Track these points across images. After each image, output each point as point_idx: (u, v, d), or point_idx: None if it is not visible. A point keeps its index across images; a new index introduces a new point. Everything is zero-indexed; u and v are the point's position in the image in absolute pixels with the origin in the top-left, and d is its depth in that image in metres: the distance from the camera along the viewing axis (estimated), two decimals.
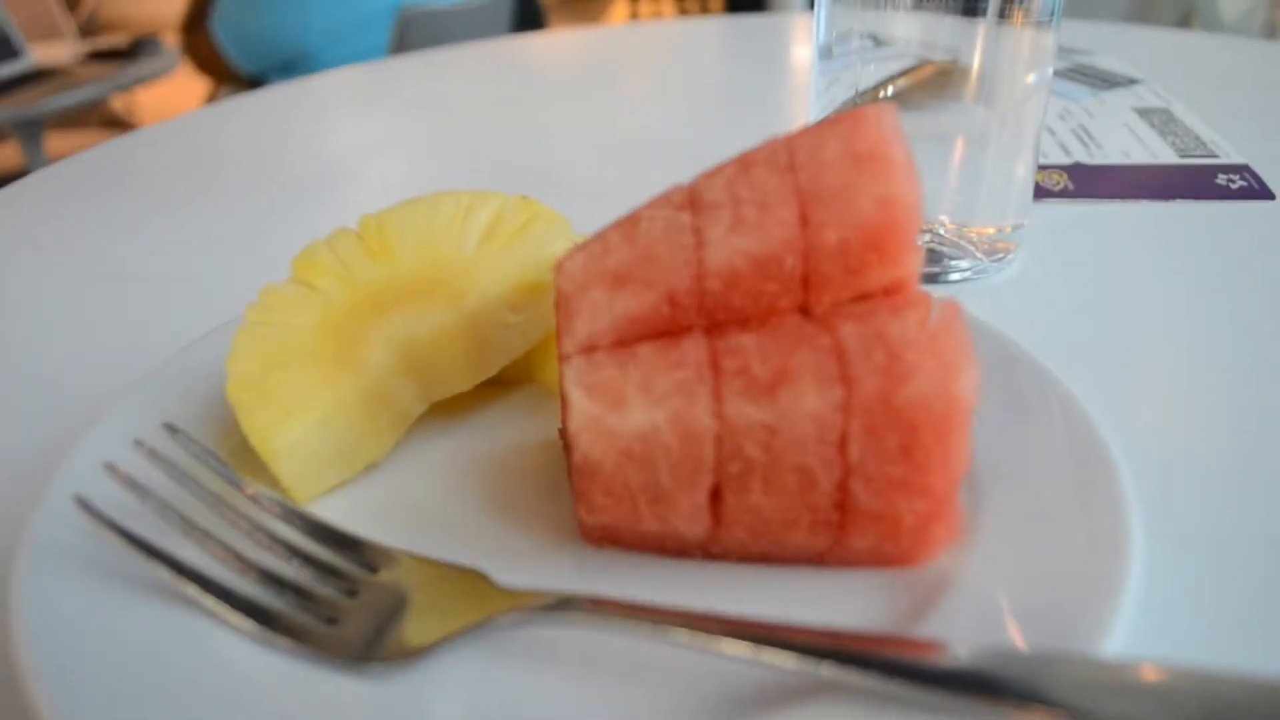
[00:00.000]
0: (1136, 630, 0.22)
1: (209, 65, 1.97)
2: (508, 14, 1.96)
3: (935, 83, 0.40)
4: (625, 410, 0.24)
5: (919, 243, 0.25)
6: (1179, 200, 0.51)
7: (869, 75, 0.42)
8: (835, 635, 0.21)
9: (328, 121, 0.76)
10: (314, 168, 0.64)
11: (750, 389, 0.23)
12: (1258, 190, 0.51)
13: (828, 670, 0.20)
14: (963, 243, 0.44)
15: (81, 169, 0.66)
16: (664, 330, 0.25)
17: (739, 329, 0.25)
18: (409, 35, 1.77)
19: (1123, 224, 0.49)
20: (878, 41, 0.41)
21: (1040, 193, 0.51)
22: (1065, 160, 0.55)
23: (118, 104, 2.96)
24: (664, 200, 0.26)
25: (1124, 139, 0.57)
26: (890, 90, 0.42)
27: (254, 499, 0.27)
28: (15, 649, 0.22)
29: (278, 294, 0.30)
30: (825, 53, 0.43)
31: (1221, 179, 0.53)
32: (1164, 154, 0.55)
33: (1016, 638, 0.22)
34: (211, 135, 0.72)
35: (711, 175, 0.26)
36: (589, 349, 0.25)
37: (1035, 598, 0.23)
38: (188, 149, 0.69)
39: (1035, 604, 0.22)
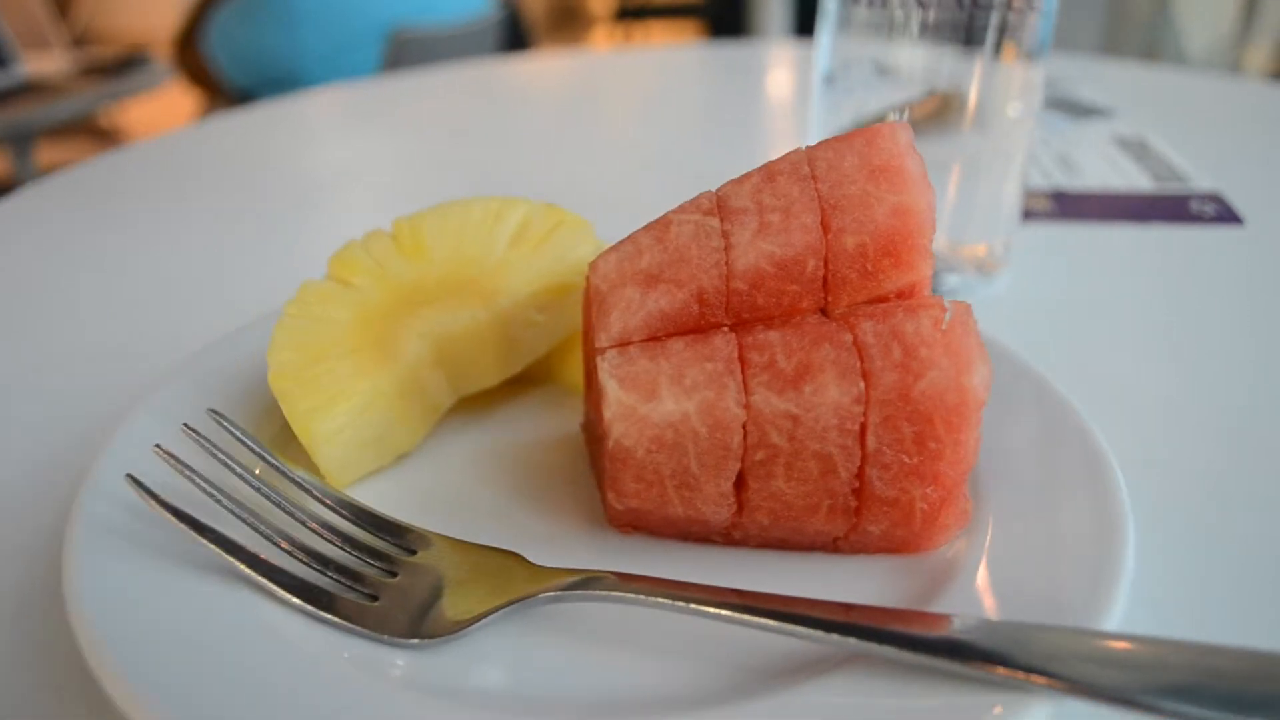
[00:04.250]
0: (1129, 611, 0.24)
1: (200, 80, 1.97)
2: (496, 37, 1.98)
3: (936, 112, 0.43)
4: (657, 399, 0.25)
5: (931, 250, 0.27)
6: (1155, 224, 0.54)
7: (872, 102, 0.44)
8: (851, 608, 0.23)
9: (316, 138, 0.77)
10: (302, 184, 0.65)
11: (776, 381, 0.25)
12: (1228, 216, 0.54)
13: (845, 642, 0.22)
14: (955, 260, 0.47)
15: (74, 183, 0.66)
16: (693, 327, 0.27)
17: (764, 326, 0.26)
18: (400, 57, 1.79)
19: (1103, 245, 0.52)
20: (882, 71, 0.43)
21: (1027, 214, 0.54)
22: (1048, 185, 0.57)
23: (108, 117, 2.95)
24: (693, 205, 0.28)
25: (1102, 166, 0.60)
26: (893, 117, 0.44)
27: (298, 482, 0.28)
28: (74, 621, 0.23)
29: (315, 290, 0.32)
30: (829, 80, 0.45)
31: (1194, 205, 0.55)
32: (1140, 181, 0.58)
33: (1022, 616, 0.23)
34: (203, 151, 0.73)
35: (738, 183, 0.28)
36: (623, 343, 0.27)
37: (1039, 580, 0.24)
38: (179, 164, 0.70)
39: (1039, 586, 0.24)
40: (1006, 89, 0.42)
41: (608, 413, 0.26)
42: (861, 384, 0.25)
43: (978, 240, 0.47)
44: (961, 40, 0.41)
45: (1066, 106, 0.69)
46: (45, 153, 2.45)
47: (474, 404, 0.34)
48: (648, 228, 0.28)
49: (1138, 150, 0.62)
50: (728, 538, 0.27)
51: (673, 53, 1.12)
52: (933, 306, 0.25)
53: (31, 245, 0.56)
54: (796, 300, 0.27)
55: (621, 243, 0.28)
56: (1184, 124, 0.73)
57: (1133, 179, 0.58)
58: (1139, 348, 0.42)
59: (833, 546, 0.27)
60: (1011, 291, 0.47)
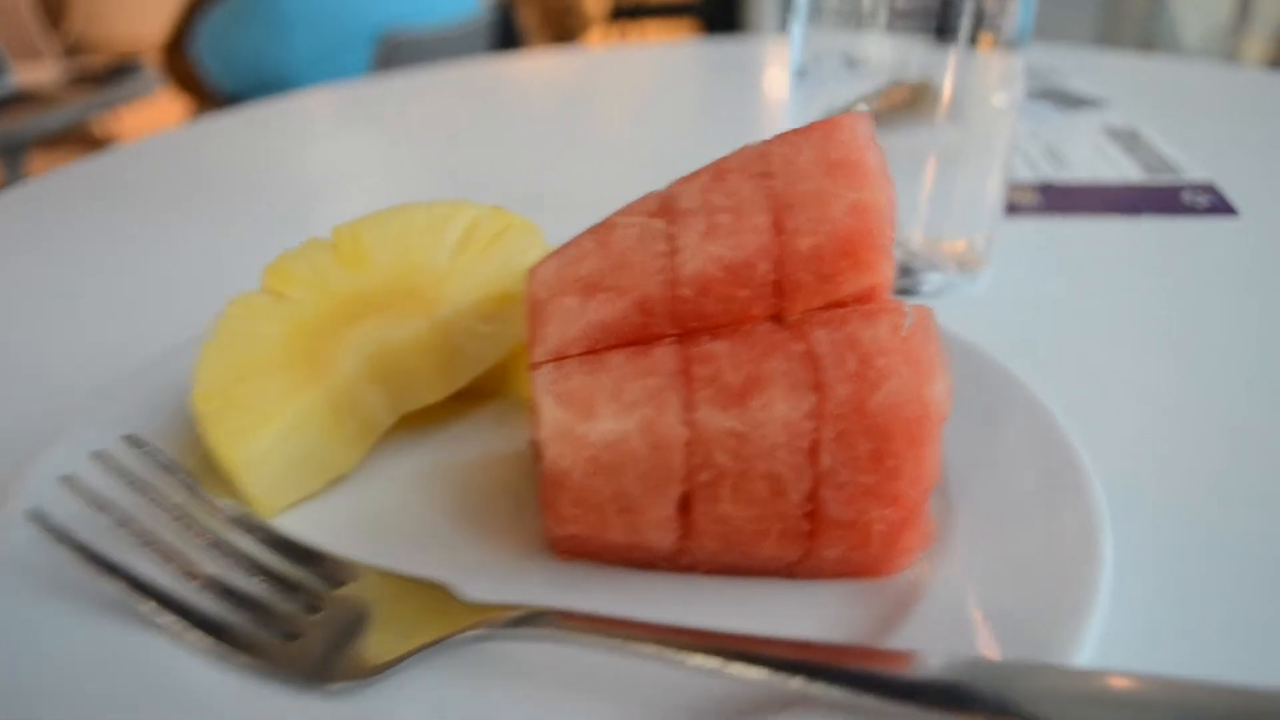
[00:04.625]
0: (1106, 639, 0.22)
1: (189, 86, 1.96)
2: (488, 38, 1.96)
3: (908, 103, 0.41)
4: (595, 418, 0.23)
5: (892, 250, 0.25)
6: (1146, 216, 0.52)
7: (842, 95, 0.42)
8: (804, 647, 0.21)
9: (307, 140, 0.75)
10: (293, 186, 0.63)
11: (721, 396, 0.23)
12: (1222, 207, 0.52)
13: (797, 683, 0.20)
14: (935, 257, 0.45)
15: (60, 185, 0.65)
16: (636, 338, 0.25)
17: (711, 336, 0.24)
18: (391, 59, 1.77)
19: (1091, 239, 0.50)
20: (851, 63, 0.41)
21: (1011, 208, 0.52)
22: (1035, 178, 0.55)
23: (99, 126, 2.95)
24: (638, 207, 0.26)
25: (1092, 158, 0.58)
26: (863, 109, 0.42)
27: (217, 512, 0.26)
28: None
29: (246, 304, 0.30)
30: (801, 73, 0.43)
31: (1187, 196, 0.53)
32: (1131, 173, 0.56)
33: (988, 648, 0.21)
34: (191, 153, 0.72)
35: (686, 182, 0.26)
36: (560, 356, 0.25)
37: (1007, 608, 0.22)
38: (167, 166, 0.69)
39: (1007, 614, 0.22)
40: (984, 79, 0.40)
41: (542, 433, 0.24)
42: (813, 398, 0.23)
43: (957, 236, 0.45)
44: (934, 29, 0.39)
45: (1056, 97, 0.67)
46: (38, 163, 2.45)
47: (419, 420, 0.32)
48: (591, 231, 0.26)
49: (1129, 141, 0.60)
50: (675, 564, 0.25)
51: (666, 50, 1.10)
52: (892, 311, 0.23)
53: (22, 242, 0.54)
54: (747, 307, 0.25)
55: (563, 247, 0.26)
56: (1177, 114, 0.71)
57: (1123, 170, 0.56)
58: (1129, 345, 0.40)
59: (787, 572, 0.25)
60: (995, 289, 0.45)
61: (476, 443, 0.31)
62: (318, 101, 0.86)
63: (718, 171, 0.26)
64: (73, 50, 3.48)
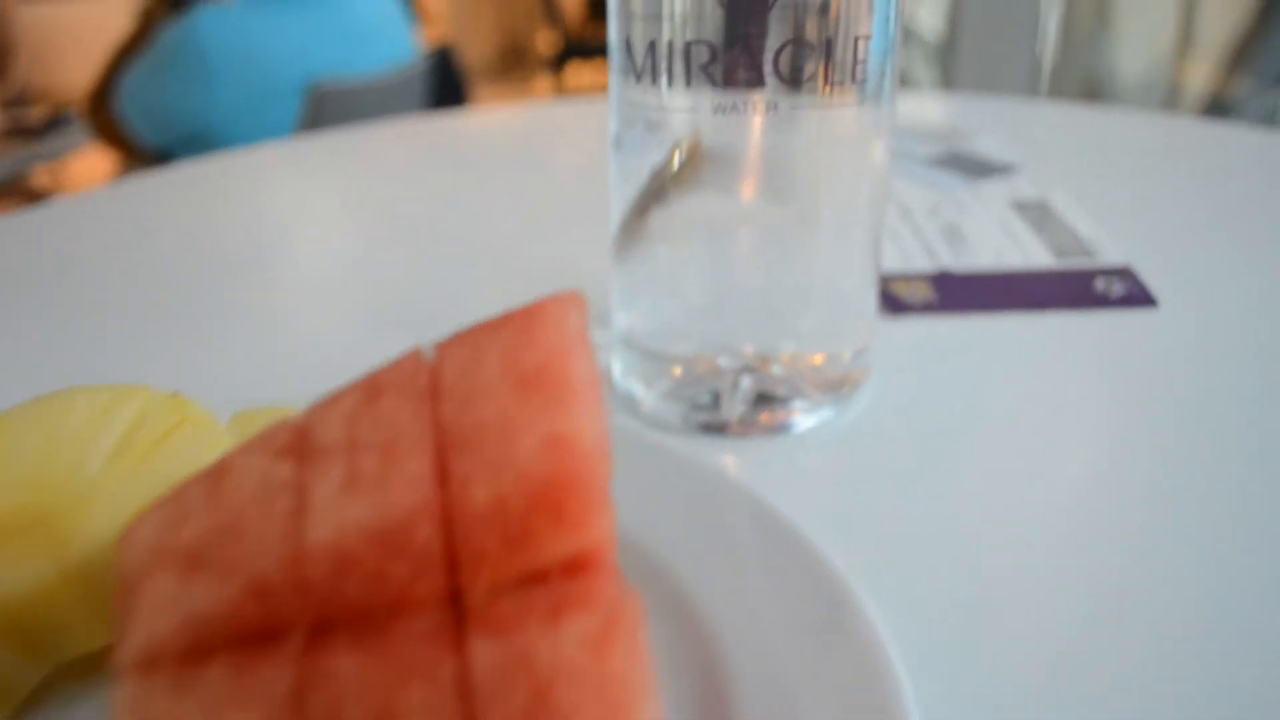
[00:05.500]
0: None
1: (113, 139, 1.89)
2: (425, 87, 1.90)
3: (689, 173, 0.34)
4: None
5: (609, 498, 0.18)
6: (1054, 311, 0.45)
7: (649, 167, 0.35)
8: None
9: (239, 202, 0.67)
10: (222, 255, 0.56)
11: None
12: (1139, 296, 0.46)
13: None
14: (796, 380, 0.38)
15: None
16: (253, 633, 0.18)
17: (348, 641, 0.17)
18: (320, 110, 1.71)
19: (992, 343, 0.43)
20: (653, 127, 0.34)
21: (899, 307, 0.45)
22: (930, 267, 0.49)
23: (42, 178, 2.86)
24: (264, 441, 0.19)
25: (997, 238, 0.51)
26: (666, 186, 0.35)
27: None
28: None
29: None
30: (617, 144, 0.36)
31: (1100, 284, 0.47)
32: (1038, 255, 0.50)
33: None
34: (113, 216, 0.64)
35: (330, 404, 0.19)
36: (149, 661, 0.18)
37: None
38: (86, 231, 0.61)
39: None
40: (822, 140, 0.33)
41: None
42: None
43: (812, 349, 0.38)
44: (747, 82, 0.32)
45: (962, 163, 0.61)
46: None
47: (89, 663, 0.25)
48: (205, 474, 0.19)
49: (1038, 216, 0.54)
50: None
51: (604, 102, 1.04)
52: (589, 605, 0.16)
53: None
54: (407, 585, 0.18)
55: (169, 496, 0.19)
56: (1095, 177, 0.65)
57: (1031, 253, 0.50)
58: (1028, 478, 0.33)
59: None
60: (871, 417, 0.38)
61: None
62: (251, 162, 0.78)
63: (371, 389, 0.18)
64: (16, 101, 3.40)
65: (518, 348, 0.18)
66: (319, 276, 0.54)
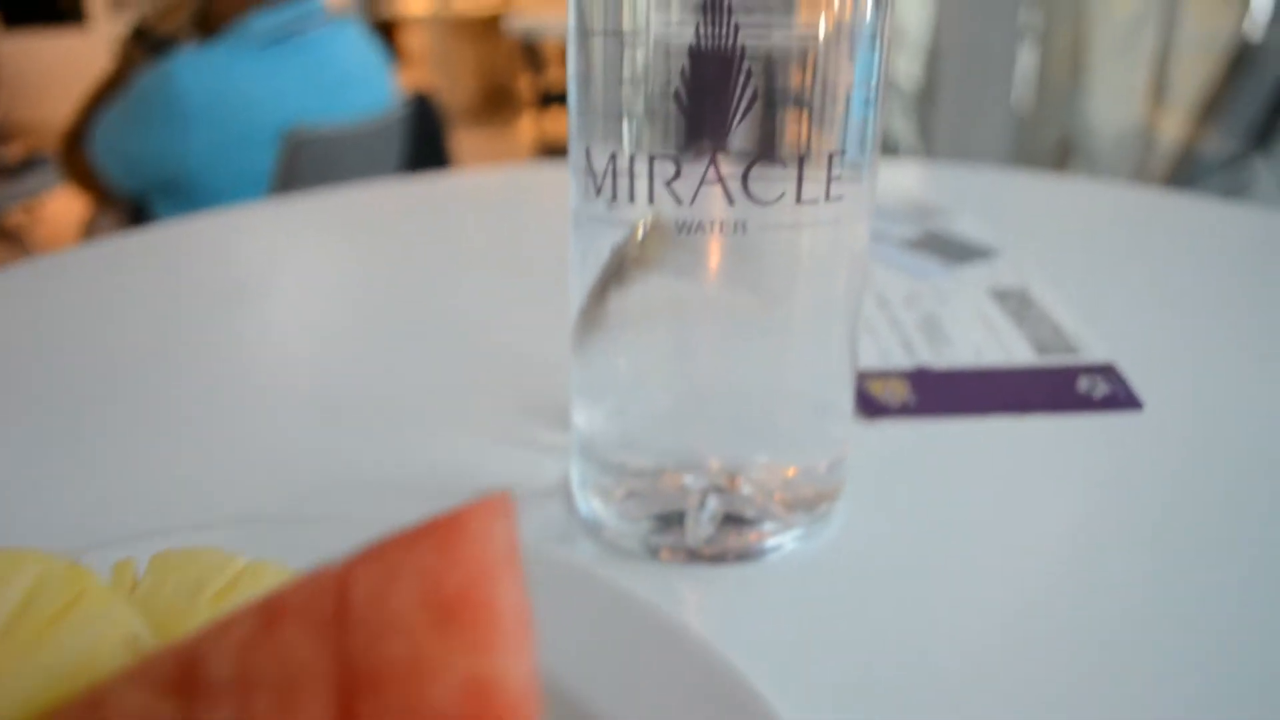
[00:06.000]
0: None
1: (85, 183, 1.86)
2: (403, 134, 1.89)
3: (690, 254, 0.31)
4: None
5: None
6: (1036, 414, 0.43)
7: (610, 246, 0.32)
8: None
9: (218, 264, 0.65)
10: (192, 318, 0.53)
11: None
12: (1123, 399, 0.44)
13: None
14: (767, 499, 0.36)
15: None
16: None
17: None
18: (297, 158, 1.69)
19: (973, 449, 0.41)
20: (611, 202, 0.31)
21: (875, 409, 0.43)
22: (908, 363, 0.47)
23: (17, 217, 2.83)
24: (147, 672, 0.16)
25: (976, 331, 0.50)
26: (627, 266, 0.32)
27: None
28: None
29: None
30: (578, 220, 0.34)
31: (1084, 383, 0.46)
32: (1020, 350, 0.48)
33: None
34: (80, 280, 0.62)
35: (225, 628, 0.16)
36: None
37: None
38: (51, 294, 0.59)
39: None
40: (793, 217, 0.31)
41: None
42: None
43: (785, 460, 0.35)
44: (711, 197, 0.30)
45: (940, 246, 0.59)
46: None
47: None
48: (77, 707, 0.17)
49: (1019, 305, 0.52)
50: None
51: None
52: None
53: None
54: None
55: None
56: (1075, 258, 0.64)
57: (1012, 347, 0.48)
58: (1014, 609, 0.31)
59: None
60: (846, 538, 0.36)
61: None
62: (229, 223, 0.76)
63: (269, 614, 0.16)
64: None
65: (436, 570, 0.16)
66: (269, 365, 0.52)
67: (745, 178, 0.30)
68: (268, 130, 1.69)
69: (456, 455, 0.41)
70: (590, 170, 0.31)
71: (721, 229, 0.30)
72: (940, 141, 2.14)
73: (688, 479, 0.35)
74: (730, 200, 0.30)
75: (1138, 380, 0.46)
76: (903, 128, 2.37)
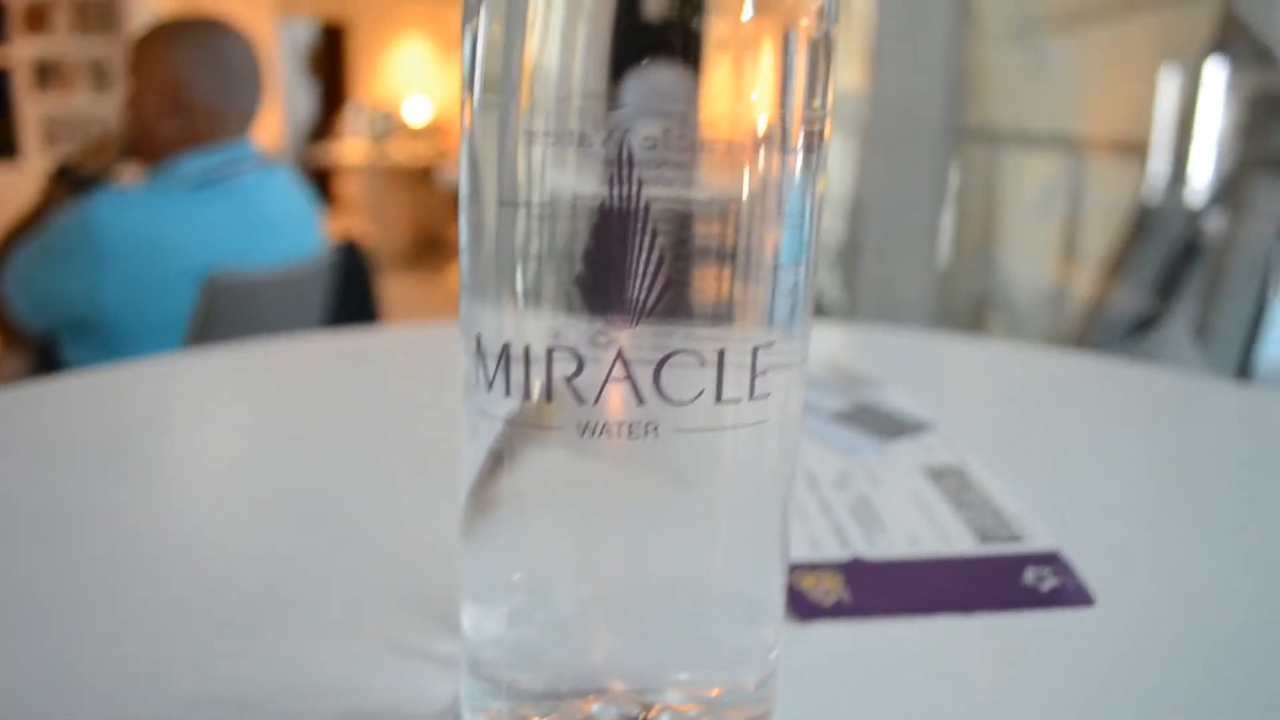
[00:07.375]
0: None
1: None
2: (330, 281, 1.86)
3: (589, 465, 0.28)
4: None
5: None
6: (980, 614, 0.40)
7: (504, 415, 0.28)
8: None
9: (99, 424, 0.58)
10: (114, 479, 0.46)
11: None
12: (1073, 593, 0.41)
13: None
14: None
15: None
16: None
17: None
18: (216, 303, 1.64)
19: (915, 653, 0.37)
20: (506, 396, 0.27)
21: (807, 609, 0.39)
22: (841, 553, 0.43)
23: None
24: None
25: (912, 517, 0.46)
26: (518, 440, 0.28)
27: None
28: None
29: None
30: (467, 391, 0.29)
31: (1030, 575, 0.42)
32: (960, 538, 0.45)
33: None
34: None
35: None
36: None
37: None
38: None
39: None
40: (705, 423, 0.27)
41: None
42: None
43: (708, 679, 0.31)
44: (616, 396, 0.26)
45: (871, 420, 0.57)
46: None
47: None
48: None
49: (955, 485, 0.50)
50: None
51: None
52: None
53: None
54: None
55: None
56: (1010, 430, 0.62)
57: (951, 535, 0.45)
58: None
59: None
60: None
61: None
62: (140, 376, 0.69)
63: None
64: None
65: None
66: (144, 550, 0.46)
67: (658, 373, 0.26)
68: (189, 274, 1.65)
69: (344, 668, 0.35)
70: (481, 361, 0.28)
71: (630, 432, 0.26)
72: (864, 297, 2.20)
73: (594, 708, 0.30)
74: (640, 399, 0.26)
75: (1084, 565, 0.43)
76: (828, 282, 2.43)
